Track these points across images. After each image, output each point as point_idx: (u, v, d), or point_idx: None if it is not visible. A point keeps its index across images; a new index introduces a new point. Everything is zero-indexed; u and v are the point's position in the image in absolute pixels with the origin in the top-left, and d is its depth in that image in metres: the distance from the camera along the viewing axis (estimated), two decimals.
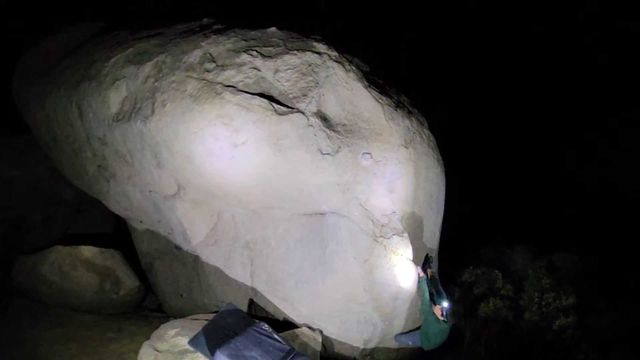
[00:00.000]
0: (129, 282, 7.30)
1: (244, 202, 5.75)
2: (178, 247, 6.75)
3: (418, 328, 5.74)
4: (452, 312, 5.42)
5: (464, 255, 7.67)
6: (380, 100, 5.61)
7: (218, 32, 5.86)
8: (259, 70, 5.37)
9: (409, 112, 5.95)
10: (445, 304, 5.14)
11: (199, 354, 4.89)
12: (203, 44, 5.65)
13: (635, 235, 8.21)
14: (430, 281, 5.36)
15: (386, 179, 5.41)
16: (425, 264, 5.69)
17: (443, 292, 5.33)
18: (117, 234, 8.82)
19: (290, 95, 5.28)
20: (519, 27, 12.03)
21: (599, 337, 5.95)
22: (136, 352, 5.13)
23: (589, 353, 5.74)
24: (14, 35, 9.12)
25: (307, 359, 5.04)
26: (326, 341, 5.95)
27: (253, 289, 6.13)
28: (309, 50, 5.60)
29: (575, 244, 7.74)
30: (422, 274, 5.31)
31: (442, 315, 5.12)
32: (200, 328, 5.16)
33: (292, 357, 4.89)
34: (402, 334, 5.87)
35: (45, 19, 9.08)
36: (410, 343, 5.80)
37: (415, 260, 5.68)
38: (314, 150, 5.15)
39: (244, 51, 5.50)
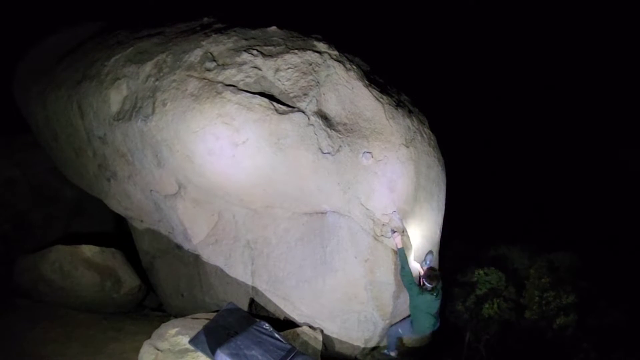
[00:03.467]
0: (130, 281, 7.31)
1: (245, 201, 5.76)
2: (179, 247, 6.75)
3: (405, 319, 5.74)
4: (434, 276, 5.28)
5: (465, 255, 7.67)
6: (381, 100, 5.61)
7: (219, 31, 5.85)
8: (260, 69, 5.37)
9: (410, 111, 5.95)
10: (426, 264, 5.23)
11: (200, 353, 4.89)
12: (204, 43, 5.65)
13: (635, 234, 8.21)
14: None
15: (387, 178, 5.41)
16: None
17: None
18: (117, 233, 8.84)
19: (291, 95, 5.28)
20: (521, 25, 12.03)
21: (599, 336, 5.95)
22: (137, 351, 5.12)
23: (590, 352, 5.73)
24: (15, 34, 9.12)
25: (308, 358, 5.04)
26: (327, 340, 5.95)
27: (254, 288, 6.13)
28: (309, 49, 5.60)
29: (575, 243, 7.74)
30: (399, 245, 5.30)
31: (424, 283, 5.18)
32: (201, 327, 5.17)
33: (293, 356, 4.89)
34: (392, 326, 5.83)
35: (46, 19, 9.08)
36: (400, 331, 5.76)
37: (415, 259, 5.70)
38: (315, 150, 5.15)
39: (245, 50, 5.50)
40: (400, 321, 5.84)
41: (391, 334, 5.86)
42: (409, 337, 5.86)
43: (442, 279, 5.43)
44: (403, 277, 5.27)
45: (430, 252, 5.78)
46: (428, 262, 5.60)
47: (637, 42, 10.88)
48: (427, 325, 5.49)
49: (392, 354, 6.00)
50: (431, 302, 5.33)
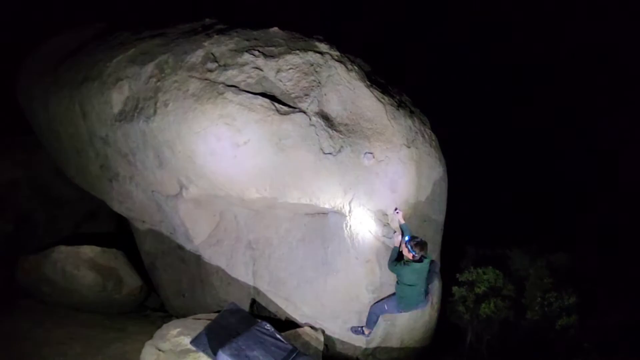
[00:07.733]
0: (132, 281, 7.32)
1: (246, 201, 5.76)
2: (180, 247, 6.76)
3: (391, 295, 5.53)
4: (419, 244, 4.98)
5: (465, 255, 7.67)
6: (382, 100, 5.62)
7: (220, 32, 5.87)
8: (261, 70, 5.38)
9: (411, 112, 5.96)
10: (407, 237, 5.01)
11: (201, 354, 4.90)
12: (205, 43, 5.66)
13: (635, 234, 8.19)
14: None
15: (388, 178, 5.41)
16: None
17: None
18: (119, 233, 8.84)
19: (293, 95, 5.29)
20: (521, 27, 12.02)
21: (601, 336, 5.94)
22: (139, 352, 5.13)
23: (591, 352, 5.72)
24: (18, 36, 9.15)
25: (310, 358, 5.04)
26: (328, 341, 5.95)
27: (255, 288, 6.14)
28: (311, 50, 5.61)
29: (576, 243, 7.73)
30: (398, 245, 5.22)
31: (409, 251, 4.95)
32: (202, 328, 5.18)
33: (295, 356, 4.90)
34: (377, 302, 5.59)
35: (48, 20, 9.11)
36: (385, 307, 5.48)
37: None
38: (316, 150, 5.15)
39: (246, 51, 5.51)
40: (386, 297, 5.58)
41: (375, 311, 5.57)
42: (394, 313, 5.59)
43: (426, 246, 5.13)
44: (389, 265, 5.22)
45: (394, 231, 5.48)
46: (408, 238, 5.19)
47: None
48: (414, 300, 5.29)
49: (367, 331, 5.70)
50: (420, 270, 5.10)
